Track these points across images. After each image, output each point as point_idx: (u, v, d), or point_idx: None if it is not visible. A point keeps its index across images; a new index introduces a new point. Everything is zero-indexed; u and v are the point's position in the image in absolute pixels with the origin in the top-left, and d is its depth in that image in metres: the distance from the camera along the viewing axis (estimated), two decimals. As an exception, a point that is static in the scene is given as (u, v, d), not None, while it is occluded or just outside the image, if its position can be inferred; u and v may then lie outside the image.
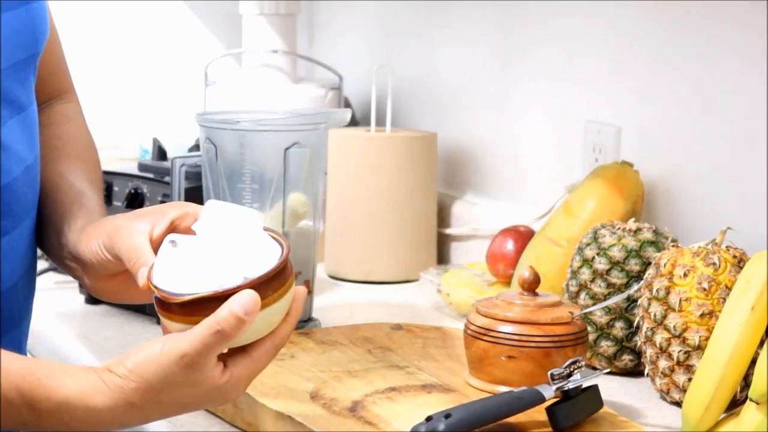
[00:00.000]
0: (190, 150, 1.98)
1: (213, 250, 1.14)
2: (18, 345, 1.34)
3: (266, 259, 1.14)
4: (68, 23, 2.64)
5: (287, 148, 1.61)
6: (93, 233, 1.28)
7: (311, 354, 1.49)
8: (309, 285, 1.66)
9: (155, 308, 1.16)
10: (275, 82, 2.27)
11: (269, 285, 1.13)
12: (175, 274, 1.14)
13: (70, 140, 1.42)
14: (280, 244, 1.16)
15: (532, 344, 1.36)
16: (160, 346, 1.12)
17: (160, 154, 1.97)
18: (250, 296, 1.11)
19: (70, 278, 1.86)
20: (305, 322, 1.66)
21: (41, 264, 2.04)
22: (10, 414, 1.14)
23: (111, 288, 1.31)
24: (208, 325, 1.11)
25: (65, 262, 1.33)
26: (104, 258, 1.26)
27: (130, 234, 1.23)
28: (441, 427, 1.20)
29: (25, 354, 1.36)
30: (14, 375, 1.13)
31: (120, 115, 2.72)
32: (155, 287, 1.14)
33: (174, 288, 1.13)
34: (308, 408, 1.32)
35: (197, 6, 2.82)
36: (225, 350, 1.14)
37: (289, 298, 1.16)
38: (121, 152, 2.63)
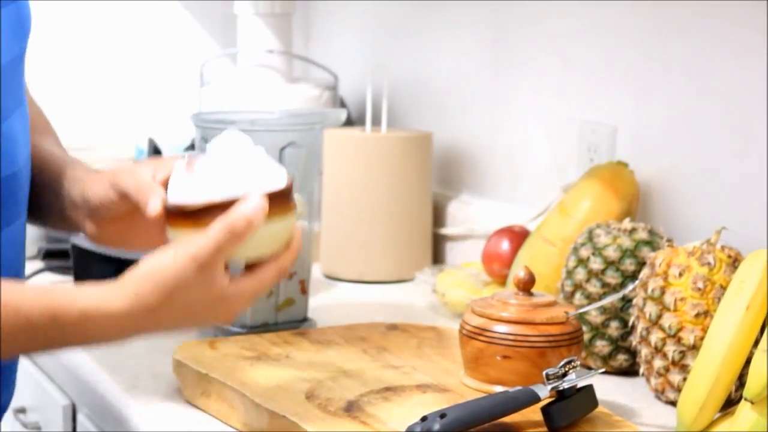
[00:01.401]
0: (186, 150, 1.99)
1: (223, 167, 1.23)
2: None
3: (273, 180, 1.24)
4: (64, 23, 2.64)
5: (283, 148, 1.61)
6: (97, 177, 1.36)
7: (306, 354, 1.49)
8: (304, 285, 1.66)
9: (166, 225, 1.25)
10: (271, 82, 2.27)
11: (275, 201, 1.22)
12: (187, 188, 1.24)
13: (32, 117, 1.45)
14: (285, 174, 1.26)
15: (527, 344, 1.36)
16: (173, 251, 1.20)
17: (156, 153, 1.97)
18: (258, 201, 1.20)
19: (69, 279, 1.86)
20: (300, 322, 1.66)
21: (40, 264, 2.04)
22: (38, 335, 1.19)
23: (113, 232, 1.36)
24: (219, 225, 1.20)
25: (66, 213, 1.39)
26: (111, 198, 1.32)
27: (136, 172, 1.31)
28: (436, 426, 1.21)
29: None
30: (32, 297, 1.19)
31: (115, 115, 2.71)
32: (168, 202, 1.24)
33: (186, 200, 1.23)
34: (303, 408, 1.32)
35: (192, 6, 2.81)
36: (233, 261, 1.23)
37: (291, 223, 1.25)
38: (116, 152, 2.63)
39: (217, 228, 1.20)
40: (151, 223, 1.29)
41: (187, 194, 1.23)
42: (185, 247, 1.20)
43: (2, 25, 1.29)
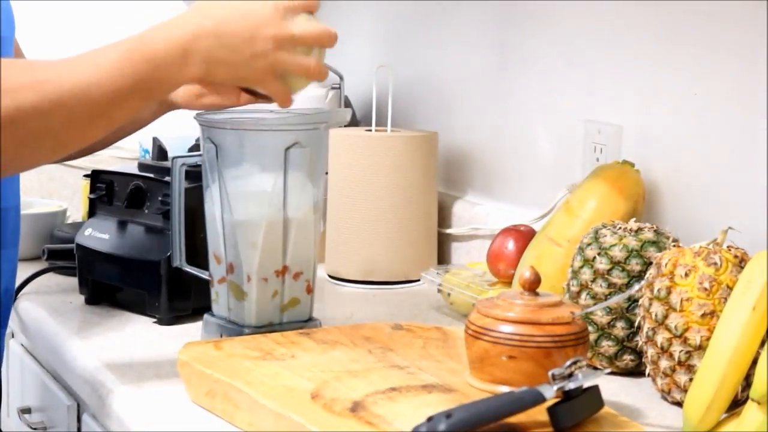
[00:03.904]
0: (191, 149, 1.98)
1: None
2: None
3: None
4: (68, 22, 2.64)
5: (288, 148, 1.61)
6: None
7: (312, 354, 1.49)
8: (310, 285, 1.66)
9: None
10: (275, 81, 2.26)
11: None
12: None
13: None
14: None
15: (533, 344, 1.36)
16: None
17: (161, 153, 1.97)
18: None
19: (70, 278, 1.87)
20: (305, 322, 1.66)
21: (41, 264, 2.04)
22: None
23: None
24: None
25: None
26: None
27: None
28: (442, 427, 1.20)
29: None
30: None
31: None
32: None
33: None
34: (309, 408, 1.32)
35: (197, 6, 2.81)
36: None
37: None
38: (121, 152, 2.63)
39: None
40: None
41: None
42: None
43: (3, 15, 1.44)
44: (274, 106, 1.52)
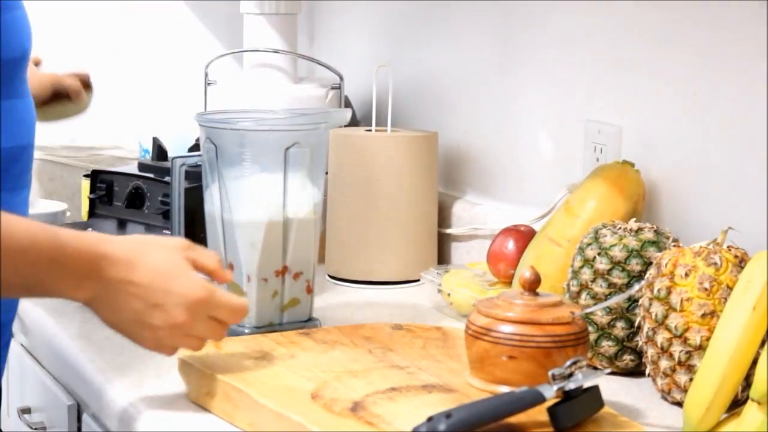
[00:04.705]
0: (190, 150, 1.99)
1: None
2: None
3: None
4: (69, 24, 2.64)
5: (287, 148, 1.61)
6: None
7: (312, 354, 1.49)
8: (310, 285, 1.66)
9: None
10: (276, 81, 2.26)
11: None
12: None
13: None
14: None
15: (533, 344, 1.36)
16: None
17: (161, 153, 1.97)
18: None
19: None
20: (305, 322, 1.66)
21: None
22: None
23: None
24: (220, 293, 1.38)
25: None
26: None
27: None
28: (442, 427, 1.20)
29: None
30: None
31: (121, 114, 2.72)
32: None
33: None
34: (309, 408, 1.32)
35: (197, 6, 2.82)
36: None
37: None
38: (121, 152, 2.63)
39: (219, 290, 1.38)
40: None
41: None
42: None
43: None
44: (274, 106, 1.53)
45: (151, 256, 1.36)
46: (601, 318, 1.55)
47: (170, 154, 1.92)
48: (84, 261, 1.33)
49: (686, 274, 1.42)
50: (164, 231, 1.80)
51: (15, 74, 1.47)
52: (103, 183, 1.96)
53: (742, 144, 1.63)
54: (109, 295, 1.34)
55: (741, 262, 1.43)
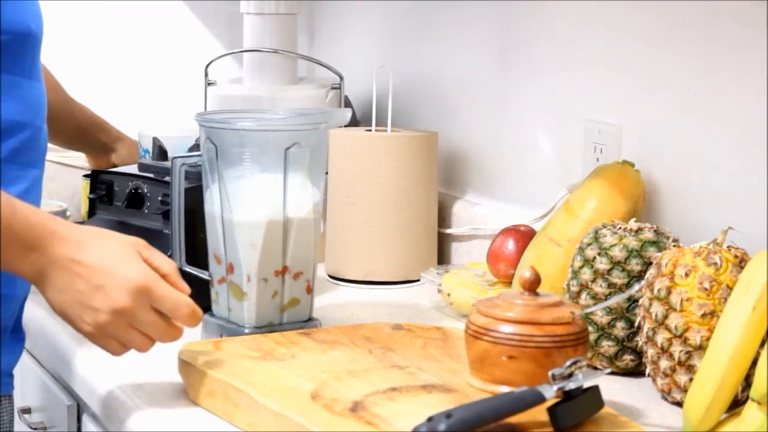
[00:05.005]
0: (190, 150, 1.98)
1: None
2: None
3: None
4: (69, 23, 2.64)
5: (288, 148, 1.61)
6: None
7: (312, 354, 1.49)
8: (309, 285, 1.66)
9: None
10: (276, 81, 2.26)
11: None
12: None
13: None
14: None
15: (533, 344, 1.36)
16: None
17: (161, 153, 1.97)
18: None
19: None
20: (305, 322, 1.66)
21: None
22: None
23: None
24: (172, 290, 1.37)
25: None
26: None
27: None
28: (442, 427, 1.20)
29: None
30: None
31: (120, 114, 2.71)
32: None
33: None
34: (309, 408, 1.32)
35: (197, 6, 2.81)
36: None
37: None
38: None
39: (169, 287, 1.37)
40: None
41: None
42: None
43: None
44: (273, 107, 1.53)
45: (101, 242, 1.37)
46: (601, 318, 1.55)
47: (170, 154, 1.92)
48: (33, 233, 1.34)
49: (686, 274, 1.42)
50: (164, 231, 1.80)
51: (17, 50, 1.46)
52: (103, 183, 1.96)
53: (742, 144, 1.63)
54: (54, 272, 1.35)
55: (741, 262, 1.43)
